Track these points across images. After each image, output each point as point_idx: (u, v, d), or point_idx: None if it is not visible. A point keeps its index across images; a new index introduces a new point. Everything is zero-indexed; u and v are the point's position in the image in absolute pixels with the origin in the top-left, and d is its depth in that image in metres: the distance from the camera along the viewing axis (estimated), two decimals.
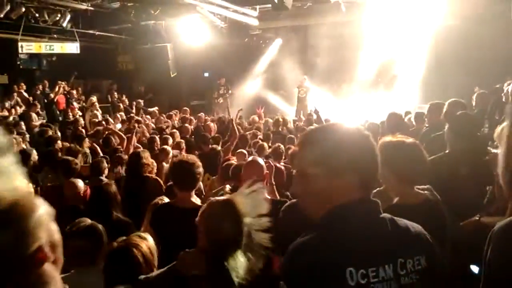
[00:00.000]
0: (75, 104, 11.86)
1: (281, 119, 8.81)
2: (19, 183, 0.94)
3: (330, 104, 12.27)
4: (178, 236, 2.12)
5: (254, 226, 1.68)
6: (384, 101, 11.35)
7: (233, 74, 14.89)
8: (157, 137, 6.28)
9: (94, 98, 11.71)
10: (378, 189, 2.91)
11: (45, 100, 11.56)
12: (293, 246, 1.22)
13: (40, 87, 12.37)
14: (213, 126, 8.82)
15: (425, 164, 2.20)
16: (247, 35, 14.28)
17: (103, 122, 8.48)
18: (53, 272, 0.96)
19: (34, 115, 10.03)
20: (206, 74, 16.63)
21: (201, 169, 2.85)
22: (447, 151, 3.08)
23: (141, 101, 12.78)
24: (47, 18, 11.23)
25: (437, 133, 3.70)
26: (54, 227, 0.97)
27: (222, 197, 1.89)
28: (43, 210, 0.94)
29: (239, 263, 1.66)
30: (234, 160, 4.62)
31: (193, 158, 2.97)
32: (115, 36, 14.44)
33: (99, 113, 10.88)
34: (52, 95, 11.15)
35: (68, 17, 11.68)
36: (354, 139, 1.31)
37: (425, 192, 2.24)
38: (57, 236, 0.99)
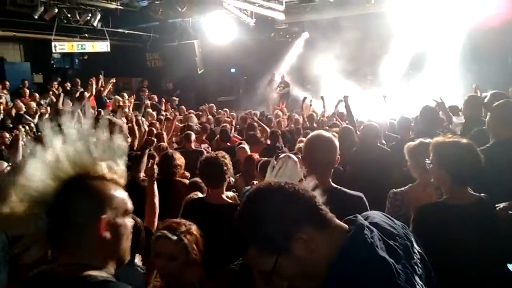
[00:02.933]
0: (108, 101, 12.13)
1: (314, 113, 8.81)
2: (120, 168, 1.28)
3: (359, 98, 12.05)
4: (206, 232, 2.13)
5: None
6: (415, 94, 11.04)
7: (260, 70, 14.85)
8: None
9: (118, 97, 11.93)
10: (410, 185, 2.86)
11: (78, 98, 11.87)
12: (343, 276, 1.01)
13: (69, 84, 12.69)
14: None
15: (480, 165, 2.15)
16: (273, 29, 14.20)
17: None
18: None
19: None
20: (233, 70, 16.68)
21: (228, 165, 2.85)
22: (492, 142, 2.97)
23: (176, 99, 12.82)
24: (78, 18, 11.55)
25: (481, 127, 3.53)
26: (128, 219, 1.27)
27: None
28: (120, 195, 1.24)
29: None
30: (257, 156, 4.59)
31: (221, 154, 2.97)
32: (144, 34, 14.69)
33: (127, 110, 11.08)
34: (86, 94, 11.45)
35: (99, 16, 11.97)
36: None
37: (482, 194, 2.19)
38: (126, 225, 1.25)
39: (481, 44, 10.63)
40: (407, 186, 2.86)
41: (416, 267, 1.10)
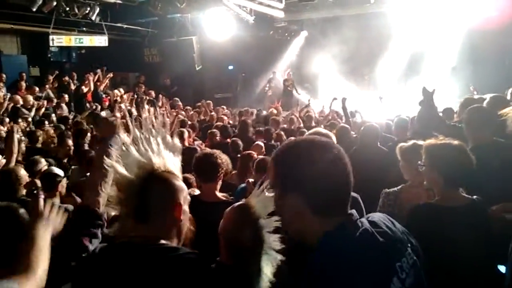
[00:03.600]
0: (104, 96, 12.10)
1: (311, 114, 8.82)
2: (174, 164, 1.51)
3: (356, 98, 12.06)
4: (200, 229, 2.13)
5: (267, 228, 1.58)
6: (412, 95, 11.05)
7: (258, 67, 14.85)
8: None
9: (117, 92, 11.90)
10: (403, 185, 2.87)
11: (74, 92, 11.84)
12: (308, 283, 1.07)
13: (68, 79, 12.65)
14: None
15: (472, 166, 2.16)
16: (272, 27, 14.18)
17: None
18: None
19: (65, 106, 10.32)
20: (231, 67, 16.65)
21: (222, 160, 2.84)
22: (470, 147, 3.00)
23: (178, 100, 12.69)
24: (77, 11, 11.48)
25: (452, 122, 3.55)
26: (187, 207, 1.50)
27: (237, 204, 1.75)
28: (181, 183, 1.48)
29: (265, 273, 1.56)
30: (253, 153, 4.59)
31: (214, 150, 2.98)
32: (142, 29, 14.63)
33: (123, 106, 11.06)
34: (83, 88, 11.42)
35: (97, 10, 11.91)
36: (329, 157, 1.16)
37: (474, 196, 2.21)
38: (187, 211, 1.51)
39: (479, 45, 10.67)
40: (399, 186, 2.87)
41: (400, 270, 1.13)
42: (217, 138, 6.38)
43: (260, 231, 1.57)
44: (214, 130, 6.57)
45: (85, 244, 1.42)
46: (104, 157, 1.53)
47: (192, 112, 10.09)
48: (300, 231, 1.18)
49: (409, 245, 1.21)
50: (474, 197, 2.22)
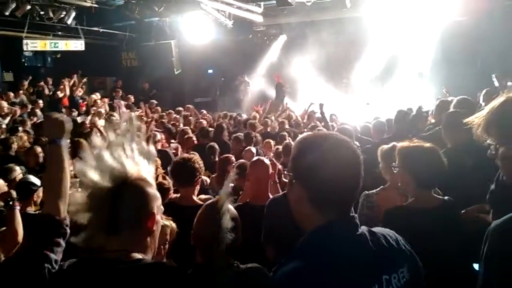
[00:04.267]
0: (81, 101, 11.88)
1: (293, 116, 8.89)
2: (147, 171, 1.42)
3: (334, 101, 12.21)
4: (178, 233, 2.12)
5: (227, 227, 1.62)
6: (388, 98, 11.26)
7: (237, 71, 14.86)
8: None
9: (94, 96, 11.70)
10: (382, 187, 2.92)
11: (49, 98, 11.60)
12: (277, 280, 1.14)
13: (43, 84, 12.39)
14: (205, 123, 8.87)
15: (444, 168, 2.21)
16: (251, 31, 14.23)
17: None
18: None
19: (39, 113, 10.07)
20: (210, 71, 16.61)
21: (199, 165, 2.84)
22: (447, 147, 3.12)
23: (154, 102, 12.62)
24: (51, 15, 11.24)
25: (436, 128, 3.73)
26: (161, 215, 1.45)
27: (210, 201, 1.88)
28: (154, 190, 1.39)
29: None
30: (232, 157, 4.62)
31: (190, 154, 2.98)
32: (119, 33, 14.45)
33: (103, 110, 10.88)
34: (59, 93, 11.18)
35: (73, 14, 11.70)
36: (338, 155, 1.19)
37: (445, 197, 2.26)
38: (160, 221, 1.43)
39: (451, 49, 10.96)
40: (379, 188, 2.91)
41: (386, 283, 1.14)
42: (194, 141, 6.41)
43: (221, 226, 1.58)
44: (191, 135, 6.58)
45: (47, 254, 1.31)
46: (63, 157, 1.44)
47: (175, 115, 9.98)
48: (301, 219, 1.23)
49: (406, 265, 1.21)
50: (446, 197, 2.27)
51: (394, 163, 2.34)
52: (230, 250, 1.62)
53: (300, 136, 1.34)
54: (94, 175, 1.31)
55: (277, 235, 2.14)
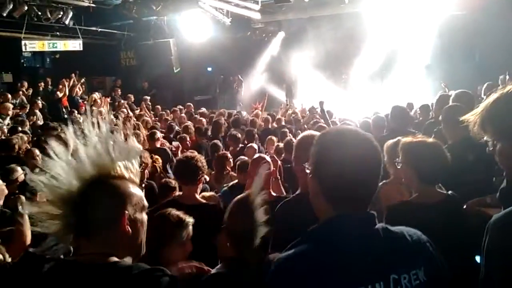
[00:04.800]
0: (81, 101, 11.89)
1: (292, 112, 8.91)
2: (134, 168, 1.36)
3: (334, 97, 12.20)
4: None
5: (260, 221, 1.70)
6: (388, 93, 11.27)
7: (236, 69, 14.87)
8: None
9: (95, 95, 11.70)
10: (384, 181, 2.93)
11: (50, 98, 11.60)
12: (276, 263, 1.14)
13: (43, 84, 12.39)
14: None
15: (447, 164, 2.21)
16: (249, 29, 14.22)
17: None
18: None
19: (38, 113, 10.08)
20: (209, 69, 16.60)
21: (202, 163, 2.85)
22: (448, 143, 3.12)
23: (148, 98, 12.73)
24: (49, 16, 11.23)
25: (439, 127, 3.72)
26: (145, 216, 1.36)
27: (237, 197, 1.90)
28: (138, 192, 1.33)
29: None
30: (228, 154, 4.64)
31: (194, 153, 2.99)
32: (118, 32, 14.43)
33: (103, 110, 10.89)
34: (58, 93, 11.18)
35: (71, 14, 11.68)
36: (355, 147, 1.18)
37: (449, 192, 2.26)
38: (144, 222, 1.35)
39: (450, 43, 10.96)
40: (381, 183, 2.93)
41: (393, 282, 1.12)
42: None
43: (256, 217, 1.68)
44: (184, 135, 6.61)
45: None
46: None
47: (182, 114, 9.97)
48: (317, 211, 1.26)
49: (422, 267, 1.17)
50: (449, 192, 2.28)
51: (397, 158, 2.35)
52: (263, 243, 1.66)
53: (327, 130, 1.36)
54: (51, 182, 1.22)
55: (283, 240, 2.15)
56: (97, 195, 1.24)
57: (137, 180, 1.36)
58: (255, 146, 5.46)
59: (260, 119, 8.49)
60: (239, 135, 6.12)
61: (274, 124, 8.05)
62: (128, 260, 1.27)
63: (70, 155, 1.27)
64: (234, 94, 15.57)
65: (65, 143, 1.29)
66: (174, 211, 2.11)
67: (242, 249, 1.70)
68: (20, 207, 2.37)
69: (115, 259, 1.23)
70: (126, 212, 1.25)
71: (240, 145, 5.98)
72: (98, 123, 1.32)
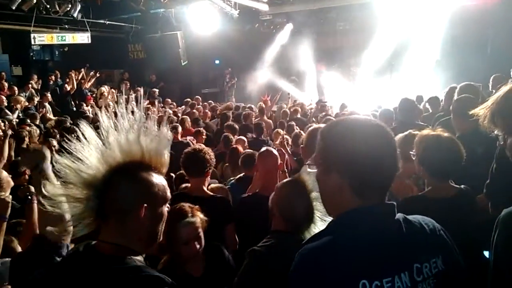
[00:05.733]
0: (89, 94, 11.95)
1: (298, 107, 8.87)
2: (164, 159, 1.35)
3: (342, 89, 12.12)
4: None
5: (318, 200, 1.84)
6: (397, 85, 11.15)
7: (244, 61, 14.80)
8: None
9: (103, 88, 11.76)
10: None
11: (58, 91, 11.68)
12: (301, 254, 1.12)
13: (53, 77, 12.49)
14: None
15: (461, 158, 2.17)
16: (257, 20, 14.14)
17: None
18: None
19: (48, 106, 10.15)
20: (217, 62, 16.56)
21: (210, 156, 2.86)
22: (456, 136, 3.07)
23: (156, 90, 12.76)
24: (58, 8, 11.24)
25: (447, 117, 3.68)
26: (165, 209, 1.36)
27: (288, 180, 2.06)
28: (161, 183, 1.32)
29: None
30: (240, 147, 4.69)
31: (202, 145, 3.00)
32: (125, 25, 14.43)
33: (111, 103, 10.95)
34: (67, 86, 11.26)
35: (79, 7, 11.69)
36: (366, 136, 1.16)
37: (462, 186, 2.24)
38: (164, 215, 1.35)
39: (462, 34, 10.79)
40: None
41: (416, 271, 1.12)
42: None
43: (312, 202, 1.87)
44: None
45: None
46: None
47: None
48: (335, 207, 1.20)
49: (440, 255, 1.18)
50: (462, 186, 2.25)
51: (412, 151, 2.33)
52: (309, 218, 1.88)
53: (333, 122, 1.28)
54: (89, 159, 1.23)
55: None
56: (120, 183, 1.23)
57: (164, 170, 1.34)
58: (244, 138, 5.53)
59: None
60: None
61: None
62: (144, 248, 1.29)
63: (100, 139, 1.26)
64: (225, 88, 15.64)
65: (96, 127, 1.29)
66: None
67: (296, 224, 1.86)
68: (29, 198, 2.39)
69: (127, 253, 1.23)
70: (145, 204, 1.24)
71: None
72: (132, 109, 1.31)
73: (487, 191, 2.42)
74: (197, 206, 2.15)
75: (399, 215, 1.19)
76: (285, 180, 2.06)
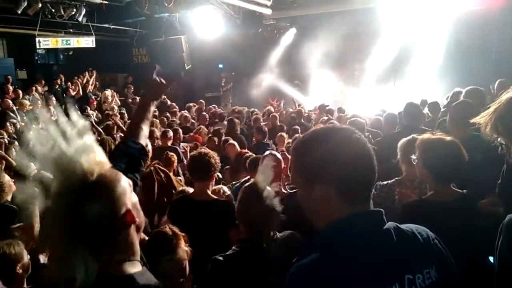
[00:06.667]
0: (93, 97, 12.02)
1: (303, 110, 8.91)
2: (102, 158, 1.21)
3: (346, 94, 12.12)
4: (194, 228, 2.14)
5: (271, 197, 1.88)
6: (401, 90, 11.13)
7: (248, 65, 14.83)
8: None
9: (107, 92, 11.82)
10: (396, 178, 2.90)
11: (63, 95, 11.75)
12: (291, 273, 1.10)
13: (58, 81, 12.57)
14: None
15: (463, 163, 2.17)
16: (260, 25, 14.16)
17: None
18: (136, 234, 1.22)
19: (52, 109, 10.20)
20: (221, 66, 16.60)
21: (215, 160, 2.87)
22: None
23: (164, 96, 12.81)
24: (63, 13, 11.33)
25: (444, 118, 3.65)
26: (134, 195, 1.26)
27: (247, 183, 2.07)
28: (125, 180, 1.20)
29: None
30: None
31: (207, 150, 3.01)
32: (130, 29, 14.51)
33: (115, 106, 11.01)
34: (71, 90, 11.33)
35: (83, 11, 11.77)
36: (339, 140, 1.15)
37: (464, 191, 2.24)
38: (137, 202, 1.25)
39: (465, 40, 10.77)
40: (393, 180, 2.91)
41: (408, 282, 1.10)
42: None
43: (266, 202, 1.86)
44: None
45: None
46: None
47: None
48: (321, 218, 1.17)
49: (434, 265, 1.15)
50: (465, 191, 2.25)
51: (413, 155, 2.32)
52: (272, 224, 1.89)
53: (305, 136, 1.23)
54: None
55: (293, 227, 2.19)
56: (90, 202, 1.09)
57: (107, 165, 1.20)
58: (233, 142, 5.53)
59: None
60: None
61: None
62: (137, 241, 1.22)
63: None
64: (220, 93, 15.74)
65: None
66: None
67: (253, 230, 1.86)
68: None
69: (129, 270, 1.16)
70: (128, 207, 1.17)
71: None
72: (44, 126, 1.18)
73: (499, 189, 2.38)
74: (183, 234, 1.98)
75: (390, 224, 1.16)
76: (242, 187, 2.08)
